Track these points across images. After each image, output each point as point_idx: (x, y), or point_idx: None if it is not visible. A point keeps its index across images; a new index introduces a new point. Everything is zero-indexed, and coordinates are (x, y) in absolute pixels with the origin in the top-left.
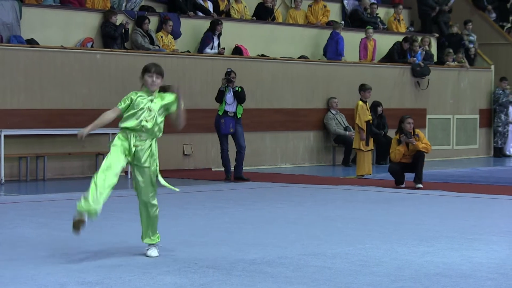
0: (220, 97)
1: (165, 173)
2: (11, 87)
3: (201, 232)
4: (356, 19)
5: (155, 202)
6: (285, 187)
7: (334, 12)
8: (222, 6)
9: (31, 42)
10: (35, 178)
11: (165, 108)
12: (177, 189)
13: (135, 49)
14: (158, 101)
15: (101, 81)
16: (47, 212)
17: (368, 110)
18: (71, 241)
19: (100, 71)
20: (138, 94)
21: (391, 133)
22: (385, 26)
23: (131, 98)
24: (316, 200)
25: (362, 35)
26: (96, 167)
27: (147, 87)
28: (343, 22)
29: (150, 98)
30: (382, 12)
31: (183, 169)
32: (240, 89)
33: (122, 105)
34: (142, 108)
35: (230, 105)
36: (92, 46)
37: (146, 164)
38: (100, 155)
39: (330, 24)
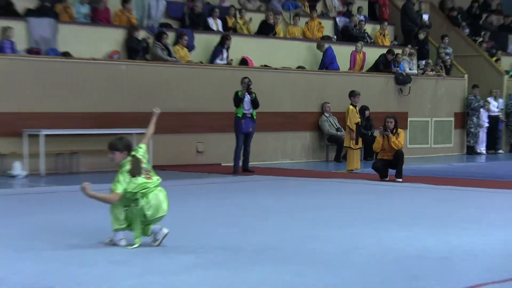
0: (237, 102)
1: (180, 168)
2: (49, 93)
3: (212, 218)
4: (346, 34)
5: None
6: (285, 179)
7: (327, 28)
8: (230, 23)
9: (66, 54)
10: (70, 171)
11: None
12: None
13: (155, 60)
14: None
15: (126, 88)
16: (81, 201)
17: (357, 113)
18: (101, 225)
19: (125, 79)
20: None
21: (377, 133)
22: (372, 40)
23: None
24: (312, 191)
25: (352, 48)
26: None
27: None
28: (324, 44)
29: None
30: (369, 28)
31: (196, 164)
32: (255, 95)
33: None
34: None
35: (247, 109)
36: (118, 58)
37: None
38: None
39: (324, 38)
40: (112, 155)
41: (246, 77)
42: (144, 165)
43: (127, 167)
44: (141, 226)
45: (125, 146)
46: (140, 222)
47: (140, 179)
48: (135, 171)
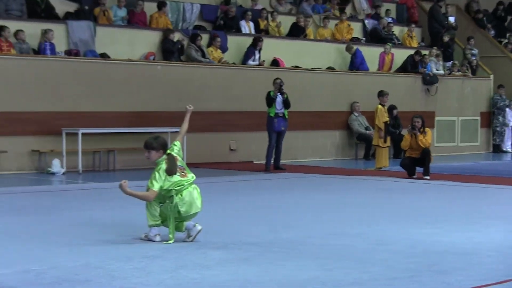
0: (270, 102)
1: (213, 166)
2: (87, 93)
3: (243, 215)
4: (375, 36)
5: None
6: (315, 177)
7: (356, 30)
8: (262, 25)
9: (103, 56)
10: (107, 169)
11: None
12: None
13: (190, 62)
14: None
15: (161, 88)
16: (117, 197)
17: (386, 112)
18: (136, 221)
19: (160, 80)
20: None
21: (405, 132)
22: (400, 42)
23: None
24: (341, 188)
25: (380, 49)
26: None
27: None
28: (352, 46)
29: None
30: (397, 29)
31: (230, 162)
32: (286, 96)
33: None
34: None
35: (279, 108)
36: (153, 59)
37: None
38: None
39: (353, 40)
40: (148, 154)
41: (278, 78)
42: (179, 163)
43: (163, 165)
44: (175, 222)
45: (161, 145)
46: (174, 219)
47: (176, 177)
48: (171, 170)
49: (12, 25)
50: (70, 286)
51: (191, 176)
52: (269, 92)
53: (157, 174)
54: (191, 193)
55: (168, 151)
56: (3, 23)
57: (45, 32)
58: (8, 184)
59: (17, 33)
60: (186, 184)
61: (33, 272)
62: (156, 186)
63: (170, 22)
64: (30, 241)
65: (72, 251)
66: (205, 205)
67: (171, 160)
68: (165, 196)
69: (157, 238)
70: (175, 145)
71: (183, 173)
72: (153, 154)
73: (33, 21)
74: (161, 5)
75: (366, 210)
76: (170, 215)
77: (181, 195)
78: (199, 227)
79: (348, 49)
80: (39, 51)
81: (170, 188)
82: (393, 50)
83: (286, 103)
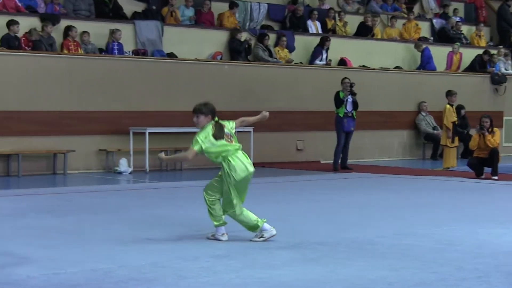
0: (339, 103)
1: (281, 165)
2: (154, 92)
3: (310, 214)
4: (443, 35)
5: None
6: (382, 177)
7: (424, 29)
8: (329, 25)
9: (171, 55)
10: (173, 168)
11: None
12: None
13: (257, 61)
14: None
15: (228, 88)
16: (184, 196)
17: (454, 112)
18: (203, 221)
19: (227, 79)
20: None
21: (473, 132)
22: (468, 41)
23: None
24: (408, 188)
25: (448, 49)
26: None
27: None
28: (421, 44)
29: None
30: (465, 29)
31: (296, 161)
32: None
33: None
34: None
35: (349, 109)
36: (220, 59)
37: None
38: None
39: (421, 39)
40: (197, 118)
41: (346, 78)
42: (226, 130)
43: (210, 129)
44: (238, 197)
45: (210, 111)
46: (234, 188)
47: (221, 141)
48: (217, 134)
49: (80, 25)
50: (136, 285)
51: (238, 145)
52: (338, 93)
53: (201, 135)
54: (238, 157)
55: (216, 119)
56: (72, 23)
57: (112, 32)
58: (76, 183)
59: (82, 34)
60: (232, 149)
61: (101, 270)
62: (196, 146)
63: (237, 22)
64: (97, 240)
65: (139, 250)
66: (272, 205)
67: (218, 125)
68: (223, 176)
69: (224, 237)
70: (229, 122)
71: (229, 140)
72: (201, 118)
73: (101, 21)
74: (232, 5)
75: (433, 210)
76: (229, 188)
77: (229, 161)
78: (274, 232)
79: (417, 46)
80: (106, 51)
81: (217, 152)
82: (461, 50)
83: (355, 104)
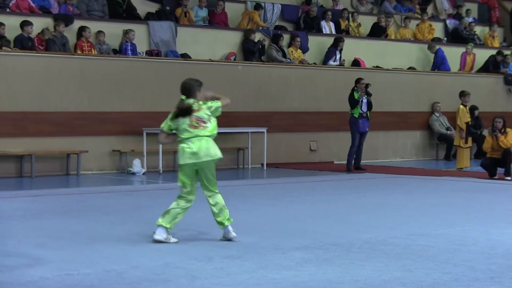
0: (354, 104)
1: (294, 166)
2: (168, 93)
3: (324, 215)
4: (456, 36)
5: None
6: (396, 177)
7: (438, 30)
8: (343, 26)
9: (185, 56)
10: None
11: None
12: None
13: (270, 62)
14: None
15: (242, 88)
16: (197, 197)
17: (467, 113)
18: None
19: (241, 80)
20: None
21: (486, 132)
22: (481, 42)
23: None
24: (422, 189)
25: (462, 49)
26: (237, 161)
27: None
28: (434, 45)
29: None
30: (478, 29)
31: (310, 162)
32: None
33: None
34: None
35: (364, 110)
36: (234, 59)
37: None
38: (240, 150)
39: (434, 40)
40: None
41: (361, 78)
42: (197, 114)
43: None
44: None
45: (181, 89)
46: (193, 171)
47: (182, 122)
48: (176, 112)
49: (94, 26)
50: (150, 286)
51: (208, 131)
52: (353, 93)
53: (169, 116)
54: (198, 142)
55: (183, 97)
56: (85, 24)
57: (126, 33)
58: (89, 184)
59: (98, 34)
60: (193, 136)
61: (114, 271)
62: (163, 125)
63: (262, 24)
64: (110, 240)
65: (152, 250)
66: (285, 205)
67: (180, 103)
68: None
69: (233, 234)
70: (210, 103)
71: (196, 125)
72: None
73: (115, 22)
74: (258, 6)
75: (447, 211)
76: (185, 172)
77: (187, 144)
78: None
79: (430, 47)
80: (120, 51)
81: (174, 131)
82: (475, 50)
83: (370, 104)
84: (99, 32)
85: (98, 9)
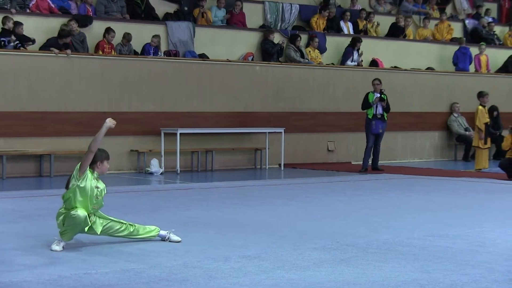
0: (366, 106)
1: (312, 166)
2: (186, 93)
3: (341, 215)
4: (476, 36)
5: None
6: (414, 178)
7: (457, 30)
8: (361, 26)
9: (203, 56)
10: (204, 169)
11: None
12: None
13: (288, 62)
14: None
15: (260, 89)
16: (215, 197)
17: (486, 113)
18: (234, 221)
19: (259, 80)
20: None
21: (505, 133)
22: (501, 42)
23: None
24: (440, 190)
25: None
26: (254, 161)
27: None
28: (464, 38)
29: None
30: (498, 29)
31: (328, 162)
32: (386, 98)
33: None
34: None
35: (379, 111)
36: (252, 60)
37: None
38: (258, 150)
39: (453, 40)
40: None
41: (377, 79)
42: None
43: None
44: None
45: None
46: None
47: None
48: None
49: (112, 26)
50: (167, 285)
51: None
52: (367, 94)
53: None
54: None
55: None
56: (104, 24)
57: (154, 36)
58: (107, 183)
59: (127, 34)
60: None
61: (132, 271)
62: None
63: (267, 23)
64: (128, 240)
65: (170, 250)
66: (303, 205)
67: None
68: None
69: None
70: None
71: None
72: None
73: (133, 22)
74: None
75: (465, 211)
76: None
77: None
78: (174, 238)
79: (460, 42)
80: (142, 53)
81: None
82: (495, 51)
83: (386, 107)
84: (127, 33)
85: (116, 10)
